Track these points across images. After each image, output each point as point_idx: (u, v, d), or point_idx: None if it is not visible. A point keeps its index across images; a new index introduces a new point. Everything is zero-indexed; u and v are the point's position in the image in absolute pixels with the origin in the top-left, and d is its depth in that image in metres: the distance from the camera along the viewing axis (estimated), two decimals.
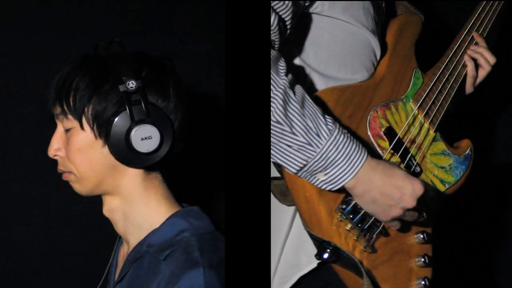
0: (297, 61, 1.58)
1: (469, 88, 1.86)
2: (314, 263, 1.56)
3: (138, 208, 1.57)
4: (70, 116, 1.52)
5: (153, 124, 1.50)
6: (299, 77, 1.56)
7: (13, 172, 2.13)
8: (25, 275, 2.17)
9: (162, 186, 1.60)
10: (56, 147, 1.57)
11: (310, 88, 1.58)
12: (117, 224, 1.61)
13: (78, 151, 1.53)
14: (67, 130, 1.55)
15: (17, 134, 2.12)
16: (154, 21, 2.21)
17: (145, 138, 1.49)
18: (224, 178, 2.09)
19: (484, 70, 1.84)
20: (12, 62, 2.11)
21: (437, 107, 1.73)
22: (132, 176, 1.56)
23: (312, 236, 1.51)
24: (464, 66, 1.82)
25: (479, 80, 1.86)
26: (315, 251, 1.52)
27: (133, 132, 1.48)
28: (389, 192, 1.47)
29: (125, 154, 1.51)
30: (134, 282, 1.56)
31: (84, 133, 1.52)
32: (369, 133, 1.58)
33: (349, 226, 1.51)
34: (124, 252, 1.66)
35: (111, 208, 1.59)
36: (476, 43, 1.85)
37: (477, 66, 1.84)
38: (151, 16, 2.20)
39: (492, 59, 1.83)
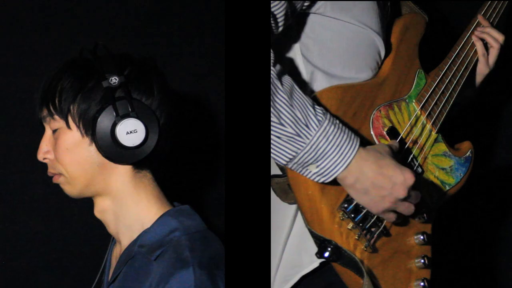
0: (301, 59, 1.58)
1: (483, 69, 1.86)
2: (316, 263, 1.56)
3: (129, 207, 1.57)
4: (56, 117, 1.53)
5: (137, 118, 1.49)
6: (302, 75, 1.57)
7: (13, 172, 2.13)
8: (24, 275, 2.16)
9: (153, 185, 1.60)
10: (45, 150, 1.57)
11: (313, 86, 1.57)
12: (109, 225, 1.61)
13: (66, 150, 1.53)
14: (54, 131, 1.55)
15: (17, 134, 2.11)
16: (154, 21, 2.21)
17: (130, 132, 1.49)
18: (224, 177, 2.10)
19: (494, 48, 1.84)
20: (12, 62, 2.11)
21: (440, 108, 1.72)
22: (121, 175, 1.56)
23: (313, 235, 1.51)
24: (467, 67, 1.81)
25: (491, 59, 1.85)
26: (316, 250, 1.51)
27: (118, 127, 1.48)
28: (380, 182, 1.46)
29: (111, 149, 1.50)
30: (126, 283, 1.55)
31: (71, 132, 1.53)
32: (372, 133, 1.58)
33: (350, 225, 1.51)
34: (117, 252, 1.65)
35: (102, 209, 1.59)
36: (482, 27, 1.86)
37: (486, 45, 1.84)
38: (151, 16, 2.20)
39: (500, 37, 1.83)
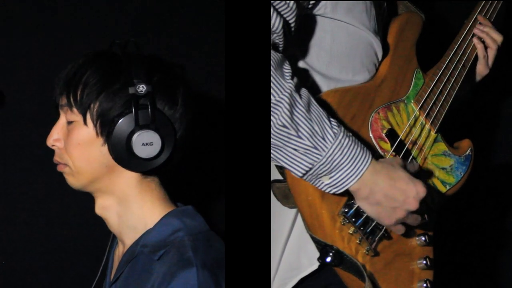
0: (299, 62, 1.58)
1: (483, 70, 1.87)
2: (315, 265, 1.56)
3: (133, 209, 1.57)
4: (74, 109, 1.51)
5: (156, 131, 1.49)
6: (300, 78, 1.56)
7: (13, 172, 2.13)
8: (24, 275, 2.16)
9: (159, 189, 1.59)
10: (55, 137, 1.56)
11: (311, 89, 1.56)
12: (110, 223, 1.60)
13: (77, 145, 1.52)
14: (69, 122, 1.54)
15: (17, 134, 2.11)
16: (154, 21, 2.21)
17: (146, 144, 1.48)
18: (224, 180, 2.10)
19: (492, 49, 1.85)
20: (12, 62, 2.10)
21: (438, 107, 1.72)
22: (128, 178, 1.56)
23: (315, 240, 1.51)
24: (465, 65, 1.81)
25: (490, 60, 1.86)
26: (316, 252, 1.52)
27: (135, 136, 1.48)
28: (393, 194, 1.46)
29: (123, 156, 1.50)
30: (129, 283, 1.55)
31: (87, 128, 1.51)
32: (370, 135, 1.58)
33: (351, 229, 1.51)
34: (119, 252, 1.65)
35: (103, 206, 1.58)
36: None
37: (485, 47, 1.85)
38: (151, 16, 2.20)
39: (499, 38, 1.84)
